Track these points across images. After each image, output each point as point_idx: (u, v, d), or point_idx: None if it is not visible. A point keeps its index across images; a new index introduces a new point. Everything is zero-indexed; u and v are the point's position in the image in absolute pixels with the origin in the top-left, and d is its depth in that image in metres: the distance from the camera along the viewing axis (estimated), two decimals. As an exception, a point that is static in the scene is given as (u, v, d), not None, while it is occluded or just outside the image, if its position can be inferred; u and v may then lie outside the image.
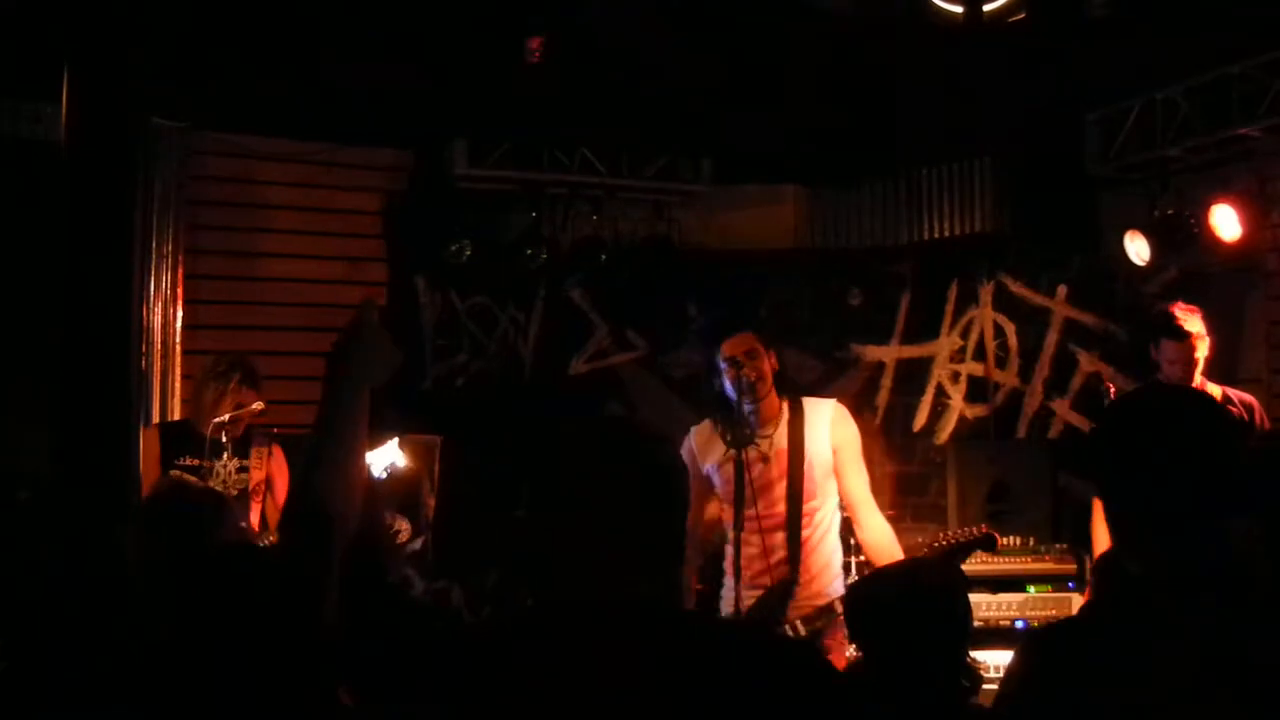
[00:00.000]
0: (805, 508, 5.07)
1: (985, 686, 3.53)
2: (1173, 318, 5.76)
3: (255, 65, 6.55)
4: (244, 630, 2.64)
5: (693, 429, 5.33)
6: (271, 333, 7.51)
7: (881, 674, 3.09)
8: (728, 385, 5.11)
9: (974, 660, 3.24)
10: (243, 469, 5.92)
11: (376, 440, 5.68)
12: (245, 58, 6.46)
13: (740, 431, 5.04)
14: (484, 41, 6.22)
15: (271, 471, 6.00)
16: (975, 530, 4.97)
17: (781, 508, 5.04)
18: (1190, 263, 7.01)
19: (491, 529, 7.31)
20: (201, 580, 2.70)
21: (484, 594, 8.04)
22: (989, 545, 4.91)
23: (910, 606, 3.14)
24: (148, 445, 5.97)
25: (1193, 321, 5.74)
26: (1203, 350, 5.76)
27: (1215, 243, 6.73)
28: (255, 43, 6.30)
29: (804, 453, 5.09)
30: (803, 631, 4.90)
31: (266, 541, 5.49)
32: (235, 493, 5.76)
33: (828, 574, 5.11)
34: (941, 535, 5.09)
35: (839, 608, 4.91)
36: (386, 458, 5.54)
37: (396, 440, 5.67)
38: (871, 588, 3.49)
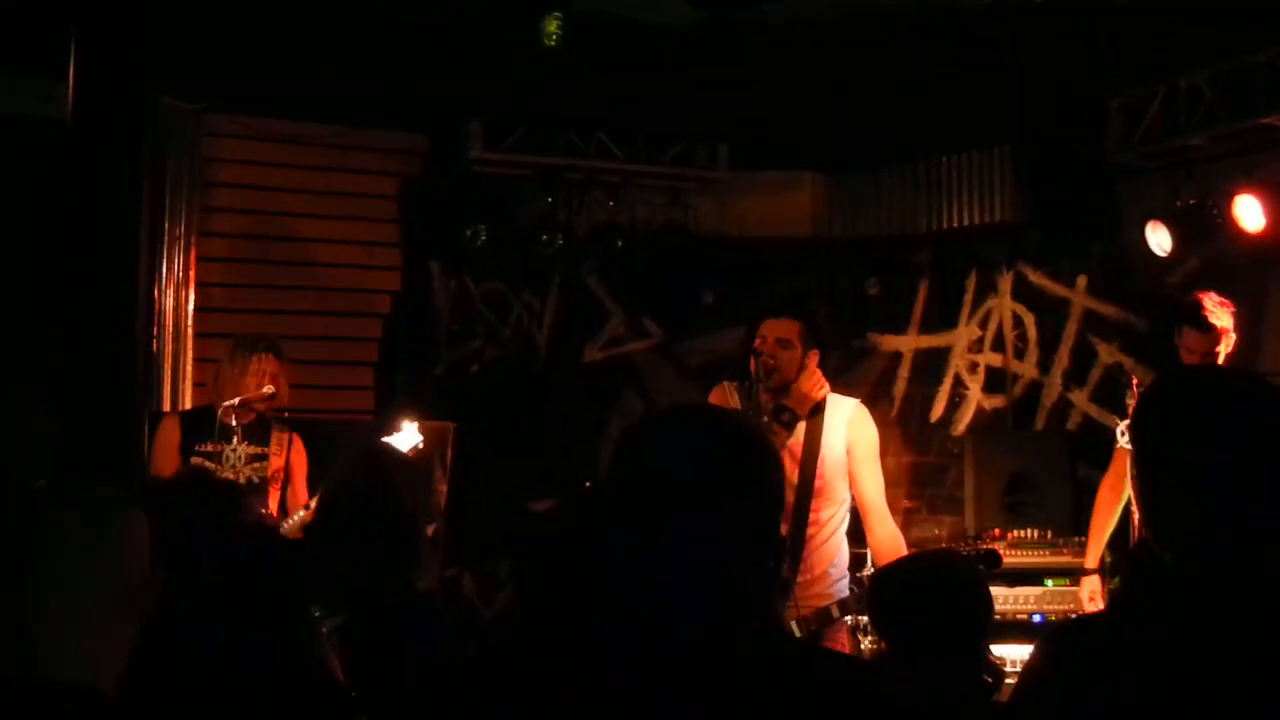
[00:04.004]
0: (812, 504, 5.00)
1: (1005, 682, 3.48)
2: (1201, 307, 5.67)
3: (270, 47, 6.50)
4: (258, 613, 2.62)
5: (714, 390, 5.24)
6: (284, 316, 7.45)
7: (904, 664, 3.05)
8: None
9: (995, 657, 3.18)
10: (260, 456, 5.82)
11: (393, 425, 5.66)
12: (260, 39, 6.40)
13: (755, 415, 4.92)
14: (500, 23, 6.15)
15: (291, 460, 5.91)
16: (979, 547, 4.91)
17: (790, 497, 4.88)
18: (1213, 253, 6.91)
19: (504, 517, 7.31)
20: (221, 566, 2.68)
21: (496, 582, 8.01)
22: (992, 562, 4.71)
23: (933, 591, 3.11)
24: (167, 433, 5.87)
25: (1222, 316, 5.66)
26: (1225, 347, 5.67)
27: (1238, 233, 6.64)
28: (270, 24, 6.24)
29: (819, 447, 5.02)
30: (799, 635, 4.77)
31: (285, 526, 5.45)
32: (248, 480, 5.67)
33: (830, 577, 5.04)
34: (946, 548, 5.07)
35: (836, 612, 4.87)
36: (409, 440, 5.53)
37: (417, 425, 5.64)
38: (896, 573, 3.45)
